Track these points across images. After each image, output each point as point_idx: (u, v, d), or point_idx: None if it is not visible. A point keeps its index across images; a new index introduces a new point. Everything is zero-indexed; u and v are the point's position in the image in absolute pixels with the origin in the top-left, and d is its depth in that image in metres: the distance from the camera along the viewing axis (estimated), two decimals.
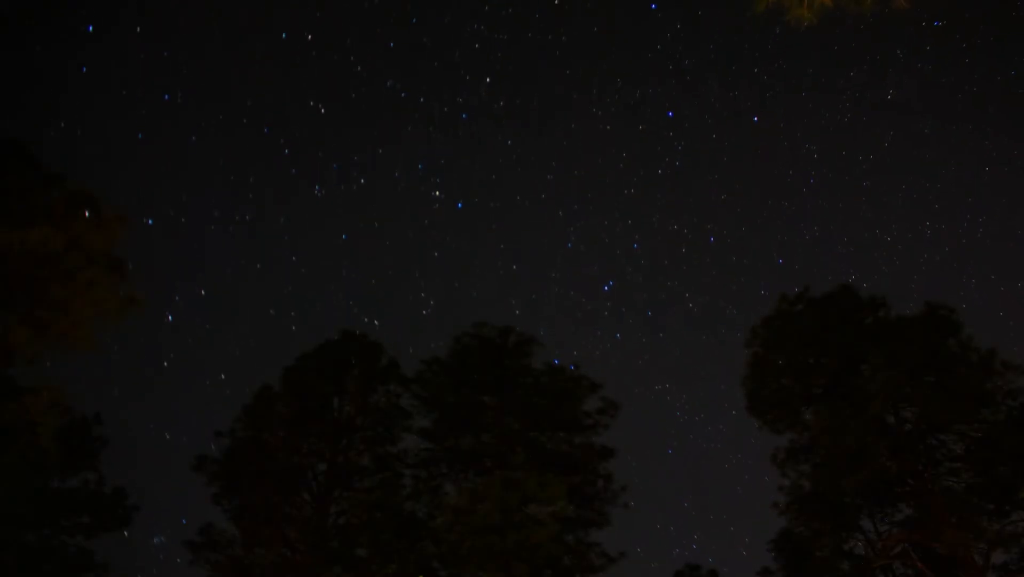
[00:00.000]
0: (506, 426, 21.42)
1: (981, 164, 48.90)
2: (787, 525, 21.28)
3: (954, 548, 18.79)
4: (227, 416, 22.08)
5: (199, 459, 20.70)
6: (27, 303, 15.30)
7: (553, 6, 52.97)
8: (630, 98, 53.20)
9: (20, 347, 15.41)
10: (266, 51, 58.08)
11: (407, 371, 22.01)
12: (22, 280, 14.92)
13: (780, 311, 22.71)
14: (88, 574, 18.96)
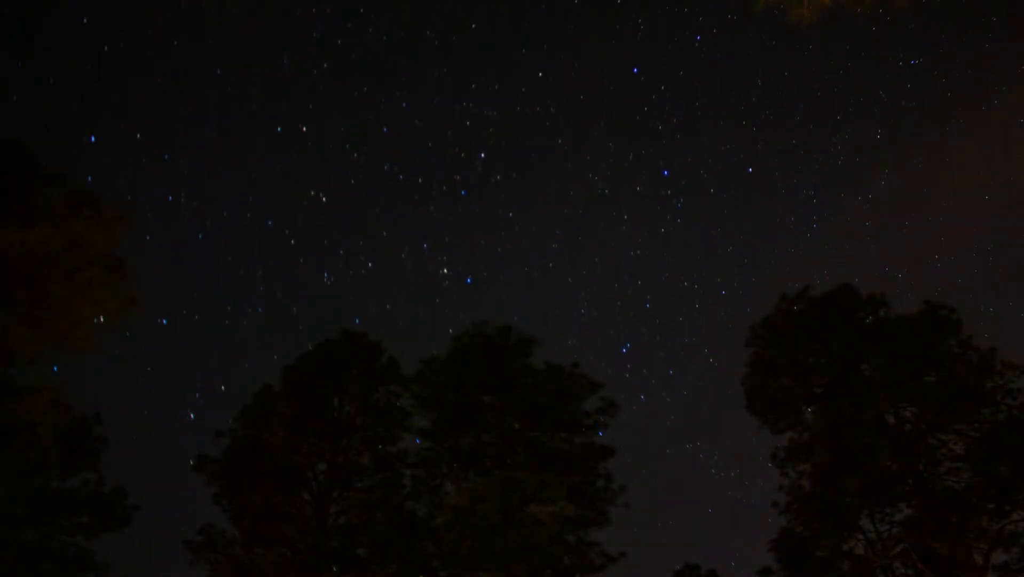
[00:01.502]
0: (506, 426, 21.42)
1: (982, 191, 49.26)
2: (787, 525, 21.27)
3: (954, 548, 18.79)
4: (227, 416, 22.09)
5: (199, 459, 20.70)
6: (27, 303, 15.30)
7: (538, 78, 54.04)
8: (624, 161, 53.97)
9: (20, 347, 15.41)
10: (263, 146, 58.86)
11: (407, 371, 22.02)
12: (22, 280, 14.92)
13: (780, 311, 22.71)
14: (88, 574, 18.97)
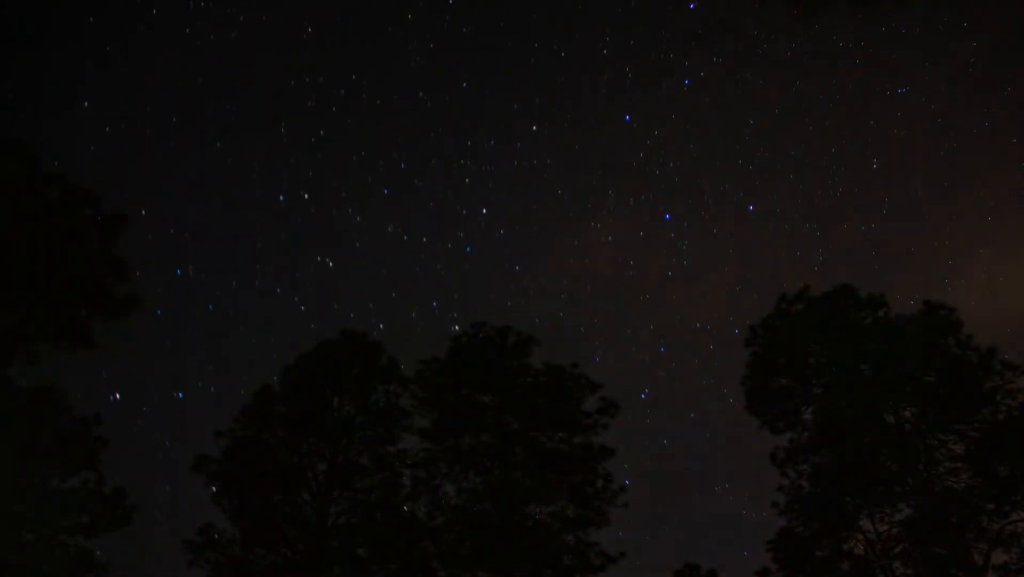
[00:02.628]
0: (506, 426, 21.42)
1: (983, 214, 49.46)
2: (787, 525, 21.27)
3: (954, 548, 18.80)
4: (227, 416, 22.07)
5: (199, 459, 20.68)
6: (27, 303, 15.31)
7: (532, 132, 54.55)
8: (624, 207, 54.27)
9: (20, 347, 15.42)
10: (266, 215, 59.56)
11: (407, 371, 22.03)
12: (22, 280, 14.93)
13: (780, 311, 22.73)
14: (88, 574, 18.98)
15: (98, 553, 19.18)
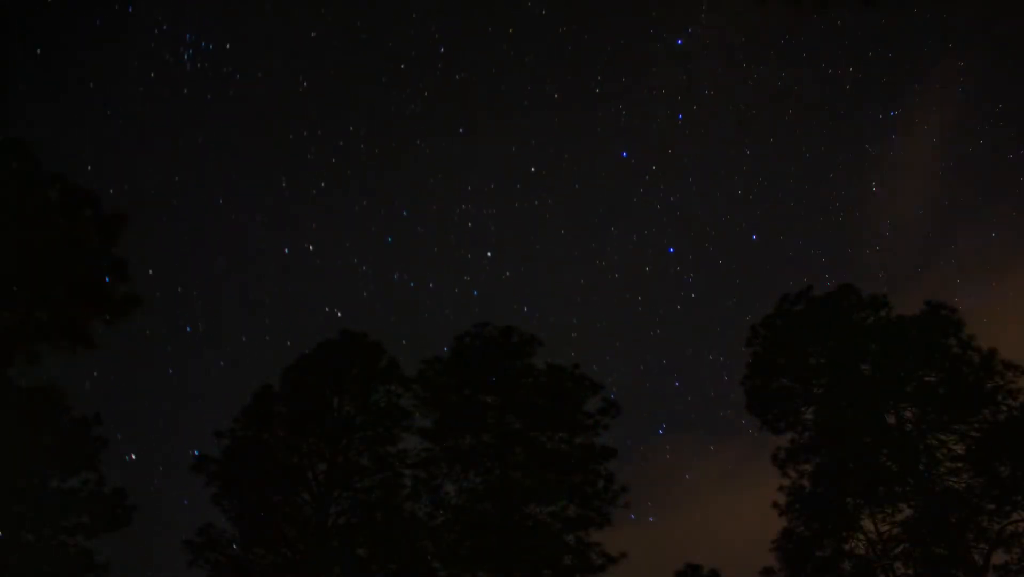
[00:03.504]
0: (507, 426, 21.41)
1: (987, 229, 49.55)
2: (788, 525, 21.27)
3: (954, 548, 18.80)
4: (227, 416, 22.03)
5: (199, 459, 20.68)
6: (27, 303, 15.29)
7: (530, 173, 54.85)
8: (628, 242, 54.29)
9: (20, 347, 15.40)
10: (271, 267, 59.39)
11: (407, 371, 22.01)
12: (22, 280, 14.91)
13: (781, 311, 22.73)
14: (88, 574, 18.95)
15: (99, 556, 19.15)
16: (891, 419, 20.89)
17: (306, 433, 21.01)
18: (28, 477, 18.17)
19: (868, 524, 20.52)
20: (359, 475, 20.88)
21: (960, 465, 20.07)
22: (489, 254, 52.23)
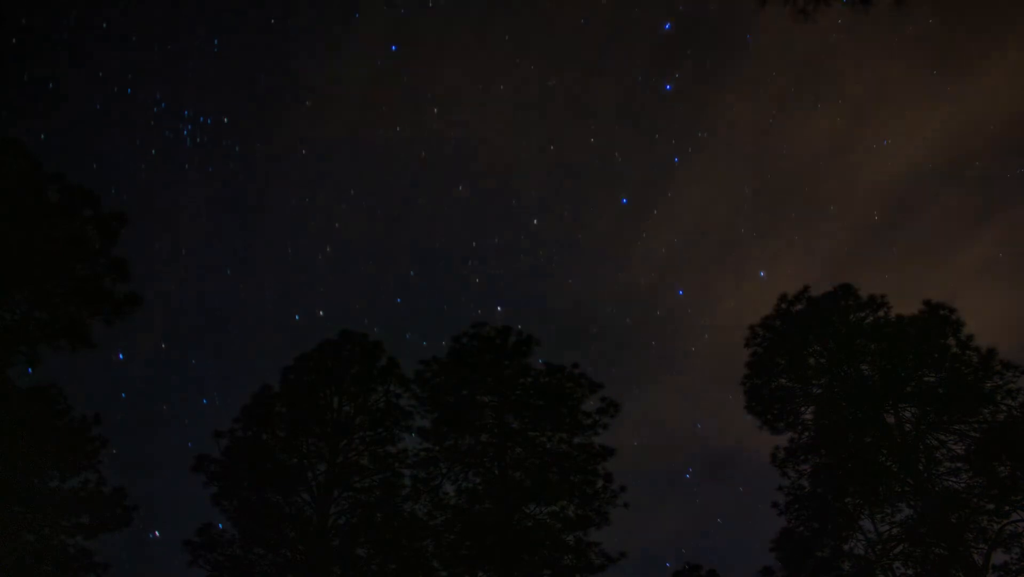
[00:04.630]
0: (506, 426, 21.42)
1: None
2: (787, 525, 21.27)
3: (954, 548, 18.79)
4: (227, 416, 22.06)
5: (199, 459, 20.67)
6: (27, 303, 15.31)
7: (532, 226, 55.42)
8: (636, 288, 54.45)
9: (20, 347, 15.42)
10: (283, 334, 59.99)
11: (407, 371, 22.02)
12: (22, 279, 14.93)
13: (780, 311, 22.73)
14: (88, 574, 18.97)
15: (99, 556, 19.16)
16: (891, 419, 20.88)
17: (306, 433, 21.01)
18: (28, 477, 18.17)
19: (867, 524, 20.53)
20: (359, 475, 20.89)
21: (960, 465, 20.07)
22: (499, 308, 52.95)
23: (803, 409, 22.17)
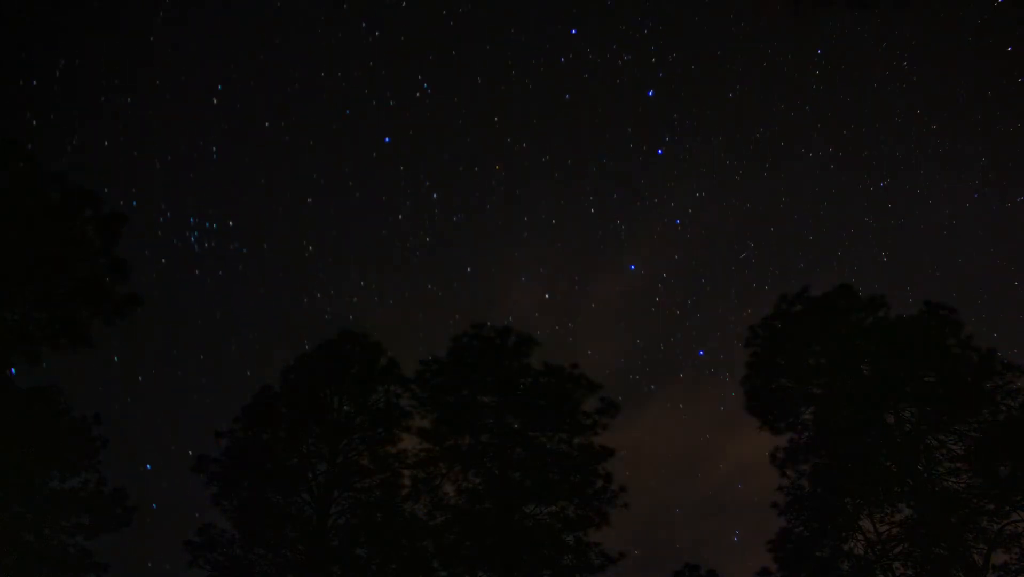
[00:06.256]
0: (506, 426, 21.42)
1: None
2: (787, 525, 21.26)
3: (954, 548, 18.79)
4: (227, 416, 22.04)
5: (199, 459, 20.69)
6: (27, 303, 15.31)
7: (545, 299, 54.76)
8: (653, 351, 54.37)
9: (20, 347, 15.43)
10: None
11: (407, 371, 22.02)
12: (22, 279, 14.94)
13: (780, 311, 22.72)
14: (88, 574, 18.97)
15: (99, 556, 19.16)
16: (890, 419, 20.87)
17: (306, 433, 21.03)
18: (28, 477, 18.18)
19: (867, 524, 20.52)
20: (359, 475, 20.90)
21: (960, 465, 20.05)
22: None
23: (803, 409, 22.16)
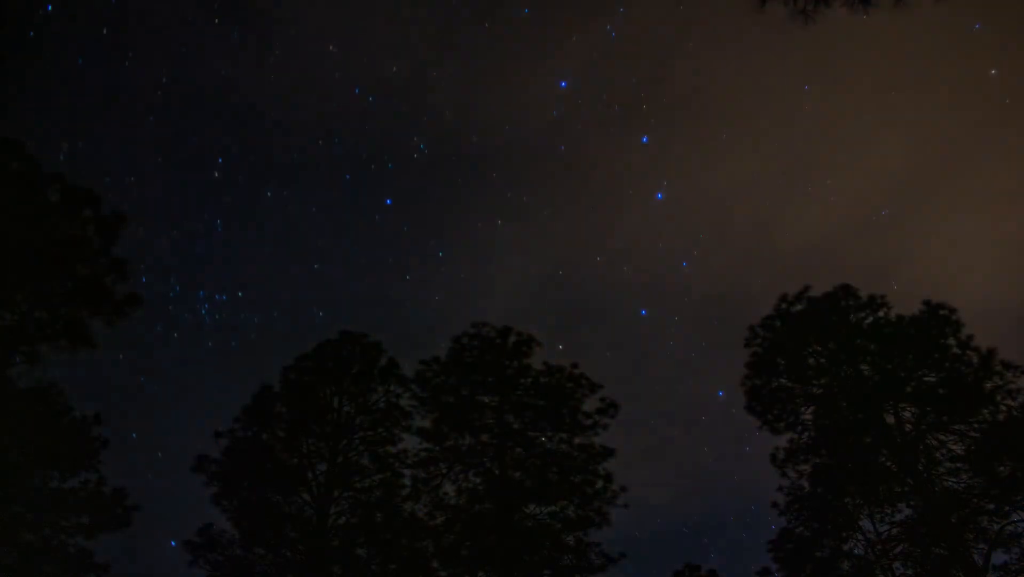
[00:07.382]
0: (506, 426, 21.42)
1: None
2: (787, 525, 21.27)
3: (954, 548, 18.79)
4: (227, 416, 22.04)
5: (199, 459, 20.67)
6: (27, 303, 15.30)
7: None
8: (676, 393, 54.76)
9: (20, 347, 15.42)
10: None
11: (406, 371, 22.02)
12: (22, 280, 14.93)
13: (780, 311, 22.73)
14: (88, 574, 18.95)
15: (99, 556, 19.15)
16: (890, 419, 20.88)
17: (306, 433, 21.02)
18: (28, 477, 18.16)
19: (867, 524, 20.53)
20: (359, 475, 20.89)
21: (960, 465, 20.06)
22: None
23: (803, 409, 22.17)
